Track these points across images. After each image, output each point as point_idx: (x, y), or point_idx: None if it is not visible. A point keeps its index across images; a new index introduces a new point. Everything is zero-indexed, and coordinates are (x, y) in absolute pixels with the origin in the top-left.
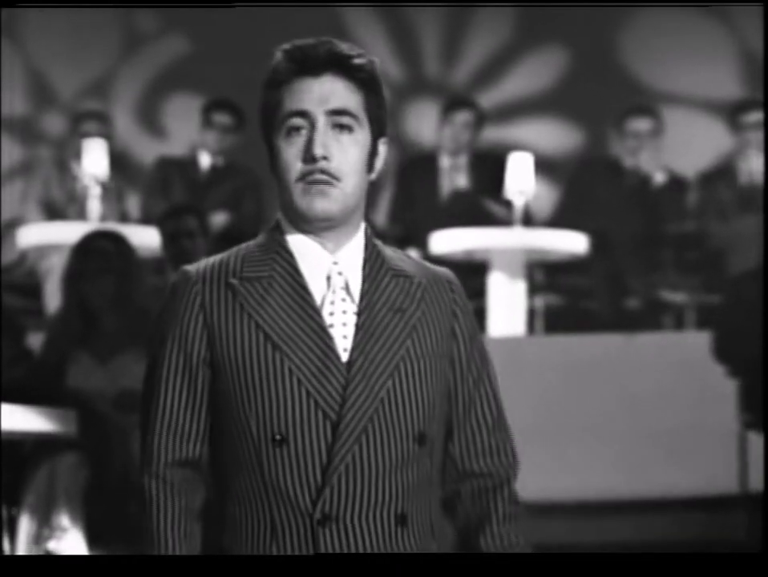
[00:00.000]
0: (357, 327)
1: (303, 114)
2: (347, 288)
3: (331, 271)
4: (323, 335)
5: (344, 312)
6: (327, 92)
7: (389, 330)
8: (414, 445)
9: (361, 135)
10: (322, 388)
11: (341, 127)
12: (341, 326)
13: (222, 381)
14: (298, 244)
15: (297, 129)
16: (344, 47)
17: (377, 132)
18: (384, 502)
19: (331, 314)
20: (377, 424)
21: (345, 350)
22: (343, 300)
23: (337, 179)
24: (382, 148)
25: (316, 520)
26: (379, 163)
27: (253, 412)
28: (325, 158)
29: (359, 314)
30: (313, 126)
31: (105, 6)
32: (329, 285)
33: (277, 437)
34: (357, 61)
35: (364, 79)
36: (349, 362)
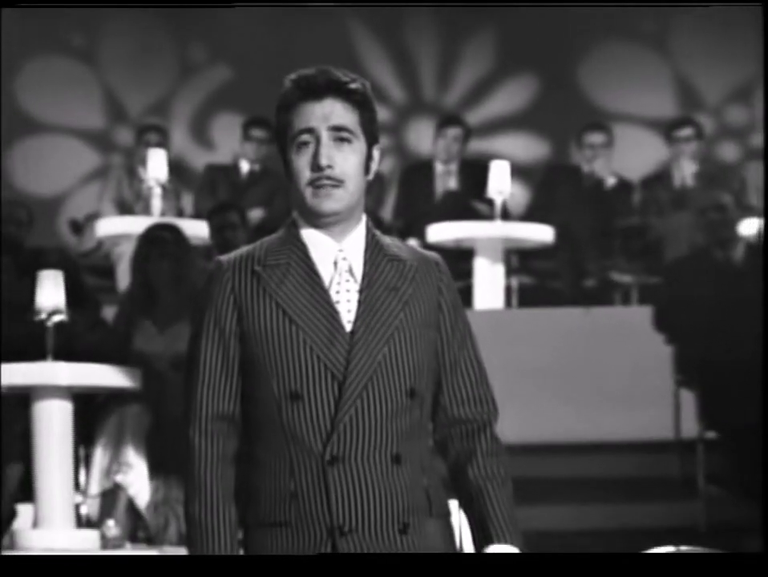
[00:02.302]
0: (359, 303)
1: (309, 130)
2: (351, 271)
3: (337, 257)
4: (330, 310)
5: (348, 290)
6: (328, 112)
7: (385, 305)
8: (406, 399)
9: (358, 145)
10: (330, 353)
11: (341, 140)
12: (346, 302)
13: (249, 349)
14: (310, 236)
15: (305, 144)
16: (340, 75)
17: (370, 141)
18: (382, 445)
19: (337, 292)
20: (375, 382)
21: (348, 322)
22: (347, 280)
23: (340, 182)
24: (376, 153)
25: (326, 461)
26: (374, 166)
27: (274, 374)
28: (329, 166)
29: (360, 292)
30: (318, 140)
31: (105, 6)
32: (335, 269)
33: (298, 393)
34: (351, 86)
35: (358, 100)
36: (353, 332)
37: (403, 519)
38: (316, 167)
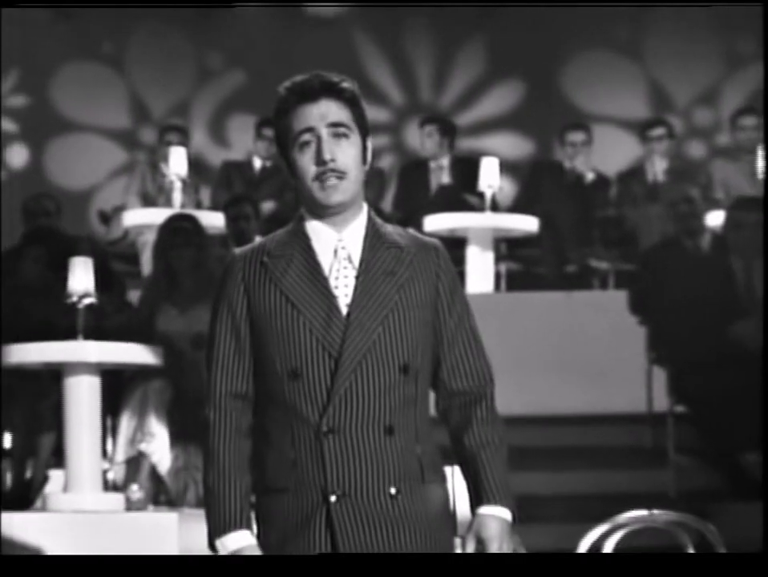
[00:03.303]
0: (356, 287)
1: (310, 129)
2: (349, 258)
3: (337, 246)
4: (329, 296)
5: (346, 276)
6: (324, 111)
7: (381, 289)
8: (399, 374)
9: (354, 139)
10: (327, 335)
11: (339, 136)
12: (344, 287)
13: (258, 332)
14: (313, 227)
15: (307, 143)
16: (332, 77)
17: (364, 133)
18: (374, 417)
19: (336, 279)
20: (369, 359)
21: (346, 306)
22: (345, 267)
23: (343, 173)
24: (369, 144)
25: (322, 432)
26: (369, 156)
27: (277, 354)
28: (332, 160)
29: (358, 277)
30: (318, 138)
31: (105, 7)
32: (335, 257)
33: (297, 371)
34: (342, 85)
35: (349, 98)
36: (348, 315)
37: (395, 485)
38: (320, 161)
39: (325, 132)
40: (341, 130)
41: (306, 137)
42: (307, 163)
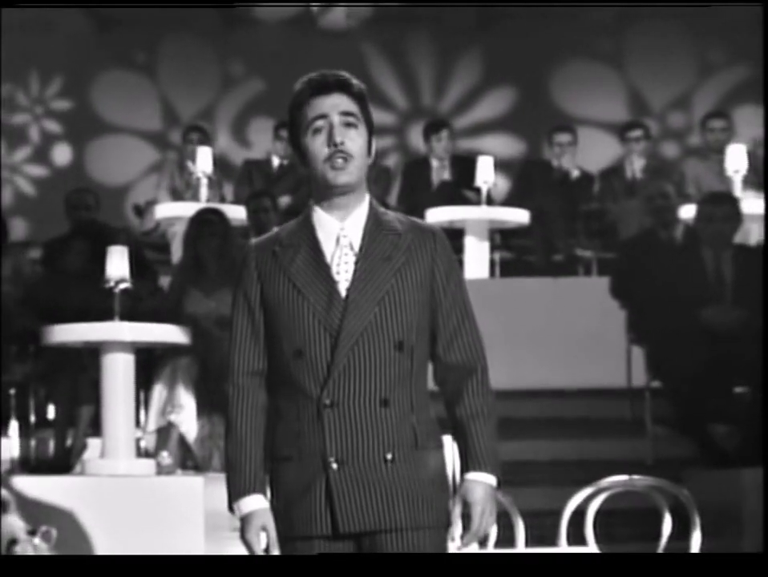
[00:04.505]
0: (355, 272)
1: (323, 116)
2: (351, 246)
3: (339, 234)
4: (330, 281)
5: (346, 262)
6: (337, 102)
7: (377, 273)
8: (394, 352)
9: (362, 130)
10: (328, 317)
11: (349, 125)
12: (344, 273)
13: (269, 316)
14: (319, 218)
15: (319, 129)
16: (345, 75)
17: (370, 128)
18: (370, 391)
19: (338, 265)
20: (366, 338)
21: (346, 290)
22: (346, 254)
23: (351, 156)
24: (373, 140)
25: (323, 405)
26: (373, 149)
27: (285, 335)
28: (342, 143)
29: (357, 263)
30: (331, 124)
31: (106, 7)
32: (337, 245)
33: (301, 351)
34: (353, 82)
35: (358, 95)
36: (347, 297)
37: (389, 452)
38: (332, 144)
39: (336, 119)
40: (351, 119)
41: (319, 123)
42: (319, 147)
